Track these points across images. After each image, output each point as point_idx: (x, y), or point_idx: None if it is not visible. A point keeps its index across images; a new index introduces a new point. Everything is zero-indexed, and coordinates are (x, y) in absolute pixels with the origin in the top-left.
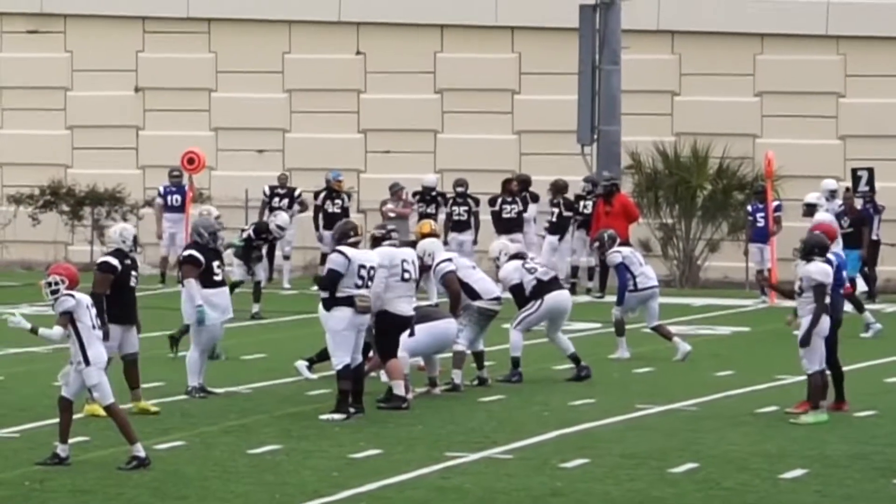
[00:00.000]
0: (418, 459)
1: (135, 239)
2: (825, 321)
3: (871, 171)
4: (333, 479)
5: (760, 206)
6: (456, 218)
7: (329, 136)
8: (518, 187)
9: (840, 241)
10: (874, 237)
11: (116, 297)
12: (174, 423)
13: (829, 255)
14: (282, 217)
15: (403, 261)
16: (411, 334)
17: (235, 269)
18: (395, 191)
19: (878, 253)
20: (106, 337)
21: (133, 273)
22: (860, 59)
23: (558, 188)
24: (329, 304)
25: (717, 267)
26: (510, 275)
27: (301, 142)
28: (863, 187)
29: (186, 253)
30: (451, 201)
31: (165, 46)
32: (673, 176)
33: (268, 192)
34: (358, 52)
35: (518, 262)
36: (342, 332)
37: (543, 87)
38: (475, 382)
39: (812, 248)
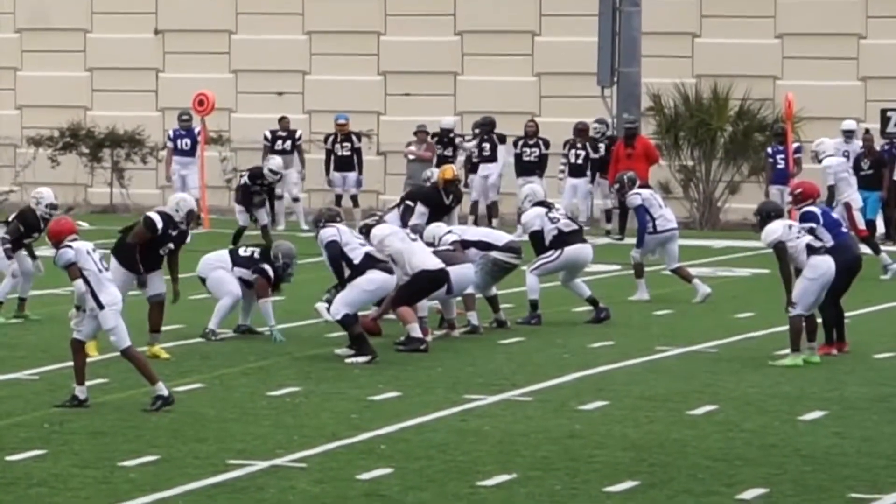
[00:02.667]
0: (437, 402)
1: (189, 213)
2: (822, 266)
3: None
4: (352, 422)
5: (780, 147)
6: (481, 156)
7: (349, 79)
8: (533, 128)
9: (857, 185)
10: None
11: (141, 252)
12: (193, 366)
13: (813, 208)
14: (274, 161)
15: (401, 229)
16: (449, 291)
17: (238, 215)
18: (419, 133)
19: None
20: (143, 284)
21: (169, 244)
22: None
23: (580, 131)
24: (353, 276)
25: (738, 209)
26: (532, 220)
27: (321, 84)
28: (892, 128)
29: (265, 269)
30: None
31: None
32: (693, 118)
33: (269, 136)
34: None
35: (542, 210)
36: (368, 292)
37: (563, 28)
38: (494, 325)
39: (768, 215)
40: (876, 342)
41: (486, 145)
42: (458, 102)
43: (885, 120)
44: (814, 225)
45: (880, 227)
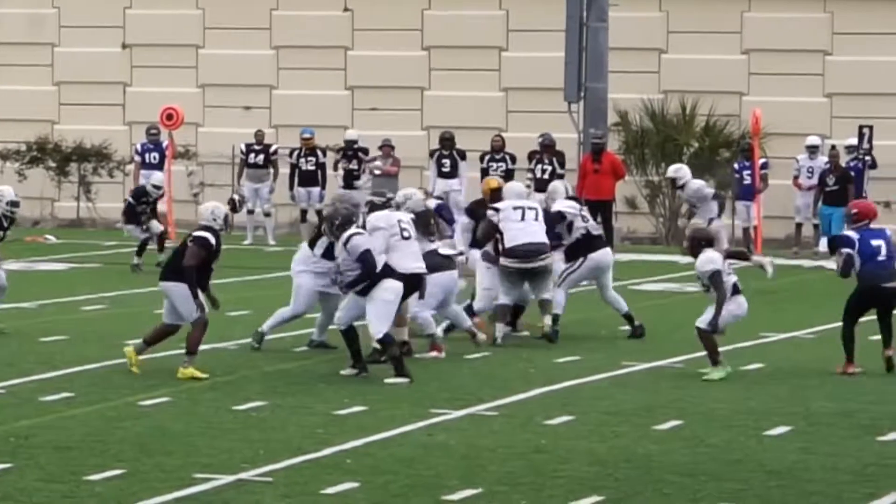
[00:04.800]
0: (403, 416)
1: (225, 218)
2: (743, 305)
3: (871, 128)
4: (318, 436)
5: (747, 163)
6: (444, 170)
7: (316, 93)
8: (500, 143)
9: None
10: (864, 195)
11: (199, 271)
12: (160, 379)
13: (852, 234)
14: (156, 177)
15: (399, 220)
16: (421, 296)
17: (133, 230)
18: (384, 147)
19: None
20: (201, 310)
21: (218, 255)
22: (847, 16)
23: (547, 146)
24: (373, 284)
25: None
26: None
27: (288, 98)
28: (865, 144)
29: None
30: (437, 154)
31: (153, 3)
32: (660, 133)
33: (244, 149)
34: (346, 9)
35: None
36: (391, 303)
37: (531, 44)
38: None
39: (699, 244)
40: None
41: (447, 161)
42: (425, 117)
43: (861, 136)
44: (850, 250)
45: None
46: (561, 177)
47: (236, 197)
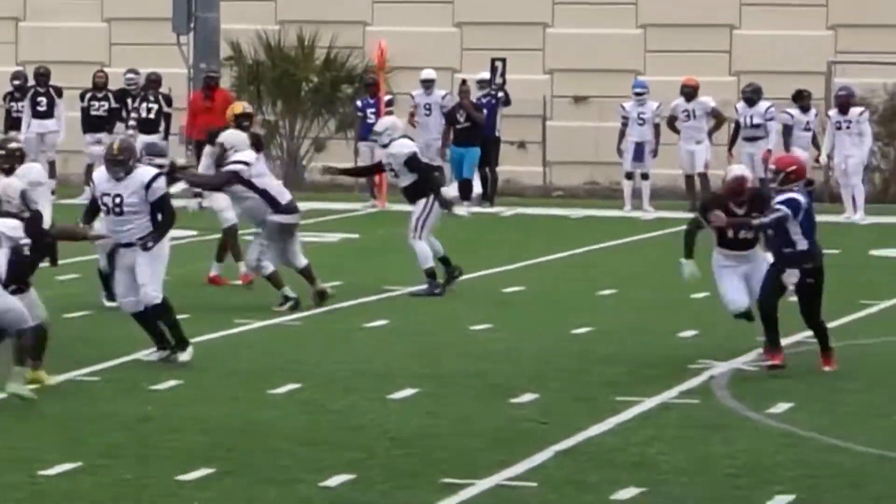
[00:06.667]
0: None
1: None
2: None
3: (504, 61)
4: None
5: (371, 100)
6: (40, 109)
7: None
8: (103, 80)
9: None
10: (496, 133)
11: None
12: None
13: (800, 197)
14: None
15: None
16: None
17: None
18: None
19: (499, 151)
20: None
21: None
22: None
23: (153, 81)
24: None
25: None
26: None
27: None
28: (498, 79)
29: None
30: (33, 91)
31: None
32: (276, 68)
33: None
34: None
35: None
36: None
37: None
38: (316, 298)
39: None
40: (471, 314)
41: (42, 100)
42: (21, 51)
43: (493, 69)
44: (789, 212)
45: (477, 188)
46: (168, 116)
47: None
